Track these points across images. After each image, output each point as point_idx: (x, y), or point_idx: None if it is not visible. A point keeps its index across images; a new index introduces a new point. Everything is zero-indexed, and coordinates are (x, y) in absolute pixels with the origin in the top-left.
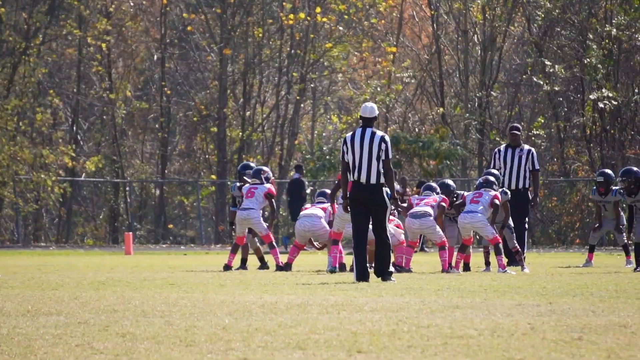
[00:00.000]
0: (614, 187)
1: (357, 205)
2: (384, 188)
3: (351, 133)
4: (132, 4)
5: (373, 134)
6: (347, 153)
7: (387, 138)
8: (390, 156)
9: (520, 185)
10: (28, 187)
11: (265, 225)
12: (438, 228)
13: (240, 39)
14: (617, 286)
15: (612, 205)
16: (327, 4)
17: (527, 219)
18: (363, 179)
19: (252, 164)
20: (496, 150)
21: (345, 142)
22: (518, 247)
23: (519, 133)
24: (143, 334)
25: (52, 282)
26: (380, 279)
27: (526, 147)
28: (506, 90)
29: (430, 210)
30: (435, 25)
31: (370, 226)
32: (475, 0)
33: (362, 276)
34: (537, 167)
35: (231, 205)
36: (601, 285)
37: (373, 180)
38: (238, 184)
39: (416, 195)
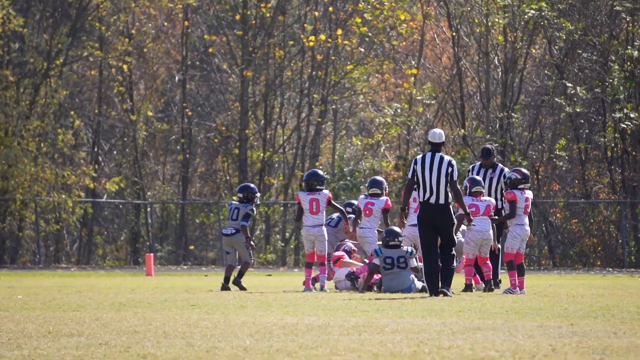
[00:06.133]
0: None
1: (426, 225)
2: (450, 206)
3: (421, 155)
4: (153, 25)
5: (442, 158)
6: (417, 172)
7: (454, 162)
8: (457, 178)
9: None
10: (49, 208)
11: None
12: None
13: (261, 61)
14: (638, 308)
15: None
16: (349, 26)
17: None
18: (433, 200)
19: None
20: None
21: (416, 162)
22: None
23: (488, 156)
24: (164, 355)
25: (73, 304)
26: (441, 292)
27: (500, 167)
28: (527, 112)
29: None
30: (456, 47)
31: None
32: (497, 22)
33: (434, 292)
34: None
35: None
36: (623, 307)
37: (442, 200)
38: None
39: None
